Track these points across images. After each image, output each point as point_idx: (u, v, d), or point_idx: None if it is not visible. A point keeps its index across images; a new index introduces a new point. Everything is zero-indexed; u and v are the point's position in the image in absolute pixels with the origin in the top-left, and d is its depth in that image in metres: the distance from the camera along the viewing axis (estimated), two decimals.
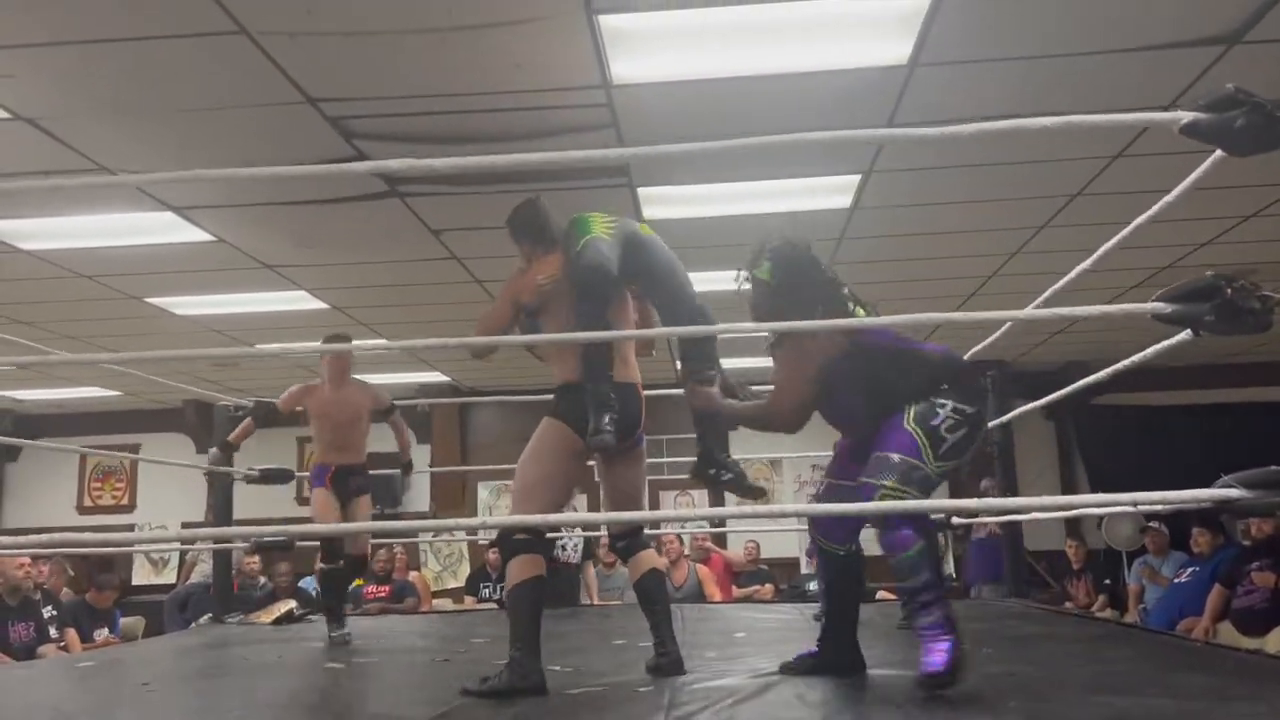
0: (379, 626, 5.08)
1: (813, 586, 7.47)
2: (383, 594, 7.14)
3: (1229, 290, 1.87)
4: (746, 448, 9.72)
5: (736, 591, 7.80)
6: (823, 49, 3.65)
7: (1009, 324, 4.20)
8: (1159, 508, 2.31)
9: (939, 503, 3.78)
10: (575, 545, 6.25)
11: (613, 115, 4.06)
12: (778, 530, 9.37)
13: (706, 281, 6.57)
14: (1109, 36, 3.54)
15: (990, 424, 4.83)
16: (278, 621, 5.02)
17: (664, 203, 5.17)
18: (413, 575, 8.24)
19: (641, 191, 4.98)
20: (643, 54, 3.65)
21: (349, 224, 5.30)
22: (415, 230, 5.42)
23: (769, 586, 8.08)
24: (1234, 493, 1.80)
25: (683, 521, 8.07)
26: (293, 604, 5.60)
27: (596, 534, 7.58)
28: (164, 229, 5.24)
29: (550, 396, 4.04)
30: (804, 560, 9.34)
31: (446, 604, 8.55)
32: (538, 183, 4.80)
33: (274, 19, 3.33)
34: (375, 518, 10.15)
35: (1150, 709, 2.00)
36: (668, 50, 3.64)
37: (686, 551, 7.53)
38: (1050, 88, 3.84)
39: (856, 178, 4.95)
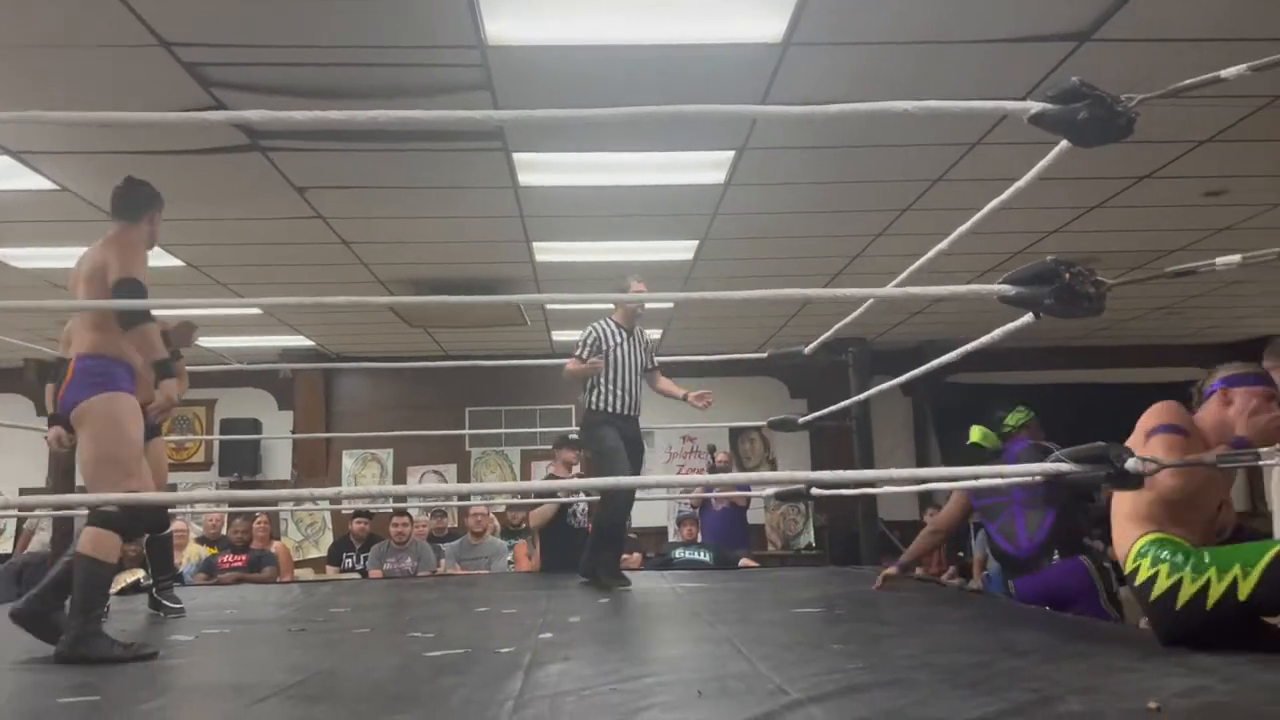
0: (232, 597, 4.92)
1: (678, 554, 7.62)
2: (239, 563, 6.89)
3: (1067, 275, 1.98)
4: (672, 415, 9.65)
5: None
6: (700, 23, 3.66)
7: (870, 301, 4.34)
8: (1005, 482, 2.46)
9: (802, 474, 3.91)
10: (584, 510, 6.11)
11: (488, 76, 3.98)
12: (647, 500, 9.51)
13: (582, 253, 6.62)
14: (973, 27, 3.68)
15: (849, 400, 5.02)
16: (123, 592, 4.78)
17: (539, 170, 5.12)
18: (274, 545, 7.99)
19: (517, 157, 4.92)
20: (520, 15, 3.58)
21: (206, 178, 5.05)
22: (278, 186, 5.21)
23: (636, 555, 8.17)
24: (1064, 467, 1.91)
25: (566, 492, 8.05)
26: (140, 574, 5.35)
27: (466, 503, 7.52)
28: (0, 174, 4.88)
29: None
30: (672, 529, 9.50)
31: (308, 574, 8.34)
32: (409, 142, 4.69)
33: None
34: (233, 485, 9.87)
35: (979, 662, 2.12)
36: (545, 13, 3.59)
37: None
38: (917, 74, 3.98)
39: (731, 154, 5.01)
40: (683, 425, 9.41)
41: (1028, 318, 2.15)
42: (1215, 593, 2.10)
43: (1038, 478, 2.00)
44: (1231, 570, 2.09)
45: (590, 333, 4.75)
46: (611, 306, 4.91)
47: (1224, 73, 1.90)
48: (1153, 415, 2.35)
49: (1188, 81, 1.93)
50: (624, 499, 4.69)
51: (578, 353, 4.73)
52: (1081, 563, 3.50)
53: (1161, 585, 2.17)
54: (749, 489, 6.64)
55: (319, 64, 3.88)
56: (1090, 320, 9.24)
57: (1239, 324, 9.82)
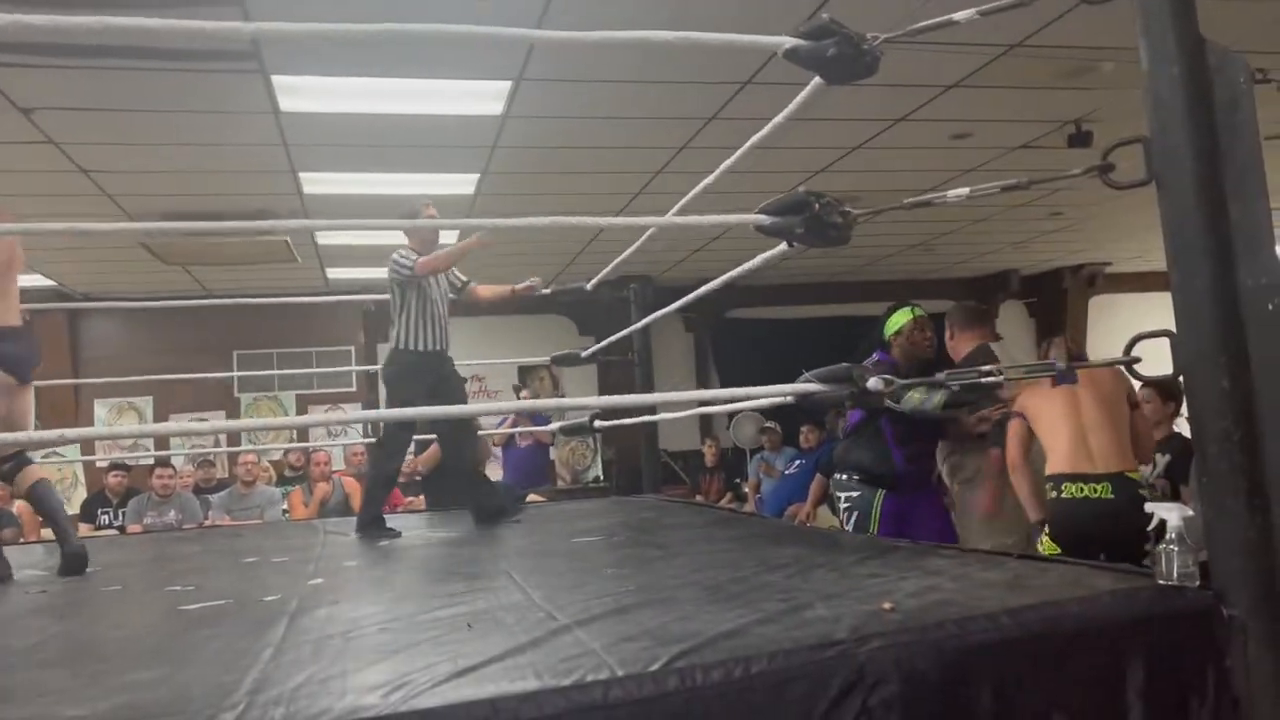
0: None
1: None
2: None
3: (817, 206, 2.07)
4: (461, 355, 9.35)
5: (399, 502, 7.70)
6: None
7: (649, 233, 4.41)
8: (765, 404, 2.58)
9: (584, 400, 3.95)
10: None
11: None
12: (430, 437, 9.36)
13: (355, 184, 6.32)
14: None
15: (629, 329, 5.11)
16: None
17: (302, 94, 4.82)
18: (16, 505, 7.30)
19: (276, 80, 4.60)
20: None
21: None
22: None
23: (422, 497, 8.05)
24: (813, 386, 2.02)
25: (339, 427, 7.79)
26: None
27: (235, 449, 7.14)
28: None
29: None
30: None
31: None
32: (153, 60, 4.29)
33: None
34: None
35: (738, 577, 2.23)
36: None
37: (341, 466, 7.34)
38: (690, 7, 4.01)
39: (508, 84, 4.91)
40: (472, 363, 9.29)
41: (782, 247, 2.23)
42: None
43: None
44: None
45: (406, 252, 4.26)
46: (403, 238, 4.48)
47: (956, 15, 2.02)
48: None
49: (924, 23, 2.04)
50: (398, 445, 4.43)
51: (408, 266, 4.19)
52: None
53: None
54: (549, 421, 6.64)
55: None
56: (854, 258, 9.79)
57: (982, 260, 10.73)
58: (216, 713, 1.36)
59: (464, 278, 4.65)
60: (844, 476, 4.05)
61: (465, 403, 4.56)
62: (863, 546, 2.79)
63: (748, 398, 2.31)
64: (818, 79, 2.26)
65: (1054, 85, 5.28)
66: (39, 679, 1.77)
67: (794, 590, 2.03)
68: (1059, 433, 3.60)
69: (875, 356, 4.02)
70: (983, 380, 2.05)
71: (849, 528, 3.97)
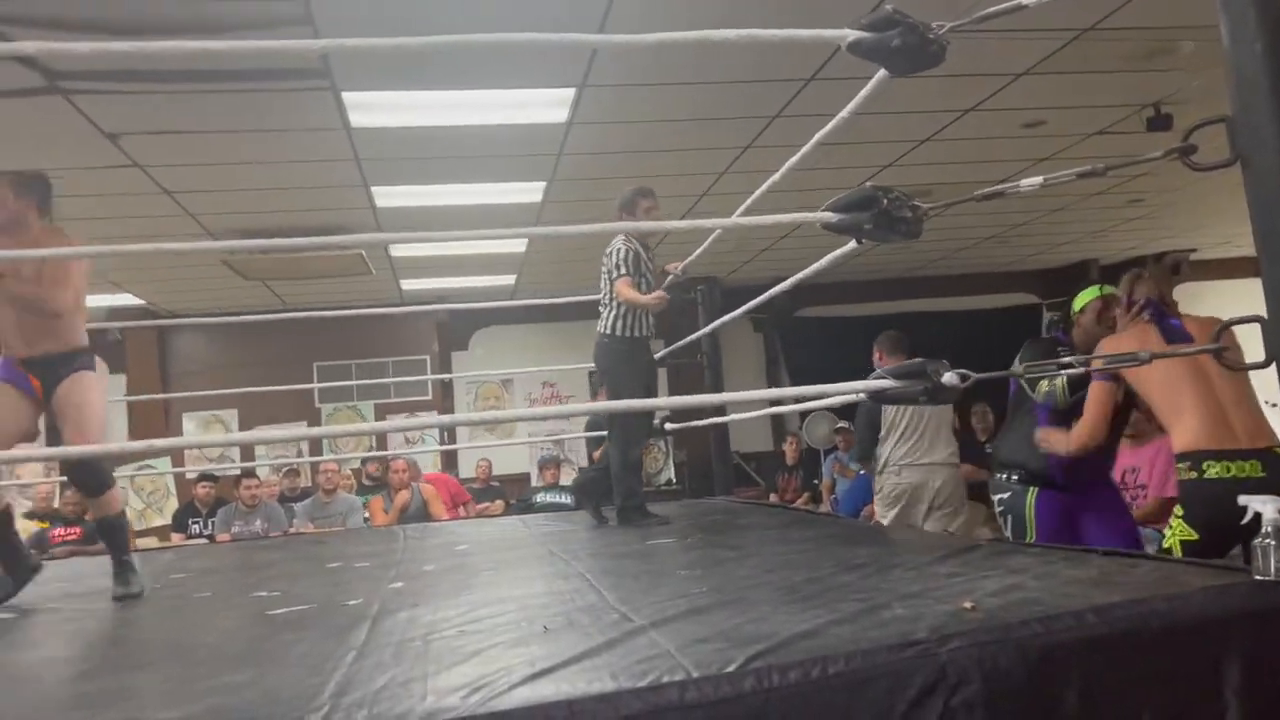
0: (65, 571, 4.64)
1: (540, 498, 7.66)
2: (73, 536, 6.54)
3: (885, 201, 2.04)
4: (477, 365, 9.62)
5: (472, 509, 7.82)
6: None
7: (715, 234, 4.41)
8: (838, 402, 2.52)
9: (653, 401, 3.94)
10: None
11: (308, 11, 3.77)
12: (508, 444, 9.49)
13: (425, 196, 6.43)
14: None
15: (698, 333, 5.10)
16: None
17: (372, 109, 4.91)
18: None
19: (347, 96, 4.70)
20: None
21: (3, 124, 4.64)
22: (85, 133, 4.82)
23: (499, 503, 8.17)
24: (886, 383, 1.99)
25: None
26: None
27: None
28: None
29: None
30: (535, 474, 9.52)
31: (152, 543, 7.97)
32: (227, 82, 4.42)
33: None
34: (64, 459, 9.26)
35: (814, 578, 2.21)
36: None
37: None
38: (752, 7, 3.98)
39: (572, 91, 4.94)
40: (545, 369, 9.39)
41: (851, 244, 2.21)
42: None
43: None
44: None
45: (625, 250, 4.21)
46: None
47: (1026, 0, 1.98)
48: None
49: (992, 9, 2.00)
50: (636, 430, 4.28)
51: (624, 272, 4.16)
52: None
53: None
54: None
55: None
56: (927, 252, 9.61)
57: (1059, 251, 10.45)
58: (303, 715, 1.39)
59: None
60: (1001, 476, 3.64)
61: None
62: (942, 545, 2.73)
63: (819, 396, 2.29)
64: (883, 71, 2.24)
65: (1130, 68, 5.12)
66: (135, 682, 1.84)
67: (871, 590, 2.00)
68: (1182, 401, 3.02)
69: (1055, 335, 3.69)
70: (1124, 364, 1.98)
71: (1007, 533, 3.59)
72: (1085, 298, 3.54)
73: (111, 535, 3.36)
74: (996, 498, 3.64)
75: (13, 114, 4.52)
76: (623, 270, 4.17)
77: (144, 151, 5.22)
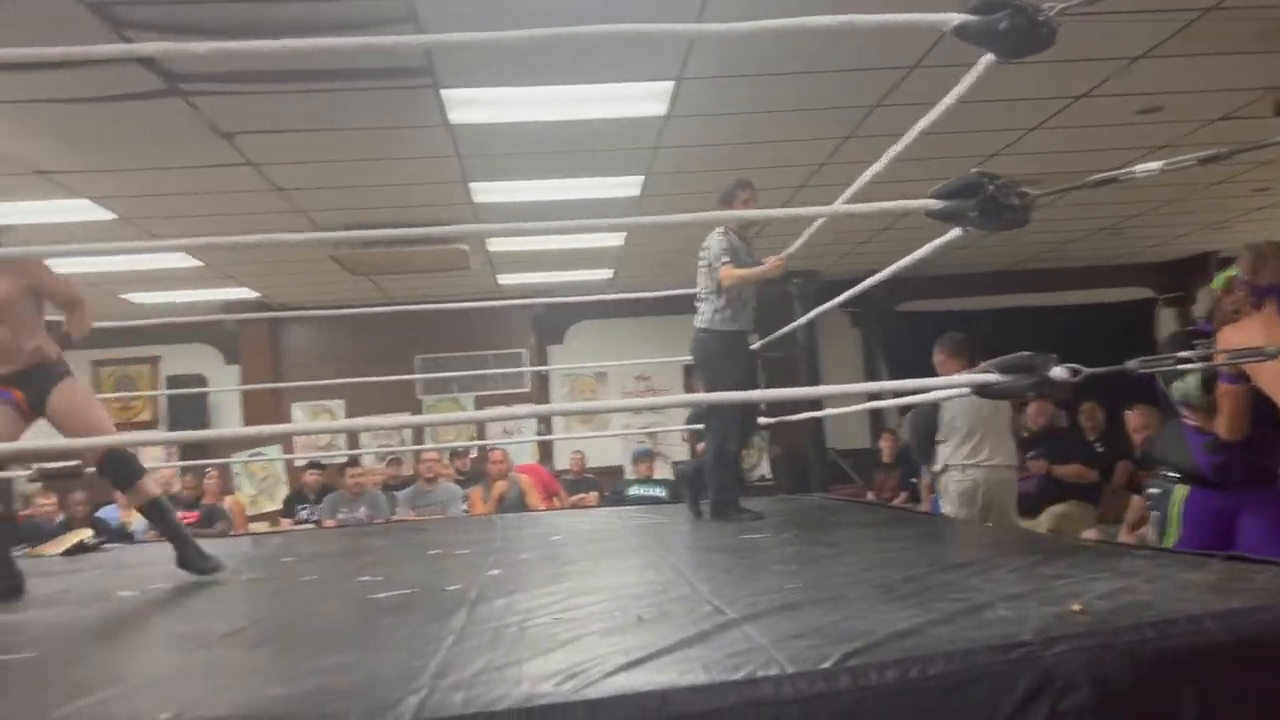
0: None
1: (633, 491, 7.69)
2: (190, 519, 6.83)
3: (991, 187, 1.98)
4: (573, 358, 9.71)
5: (565, 500, 7.91)
6: None
7: (816, 225, 4.34)
8: (940, 397, 2.46)
9: (746, 395, 3.88)
10: None
11: (413, 9, 3.86)
12: (603, 435, 9.55)
13: (523, 192, 6.52)
14: None
15: (792, 325, 5.04)
16: (68, 552, 4.72)
17: (471, 106, 5.00)
18: (226, 500, 7.94)
19: (446, 94, 4.80)
20: None
21: (126, 126, 4.88)
22: (202, 133, 5.04)
23: (593, 494, 8.24)
24: (991, 377, 1.93)
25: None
26: (87, 533, 5.29)
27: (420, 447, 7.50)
28: None
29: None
30: (628, 467, 9.57)
31: (263, 528, 8.30)
32: (334, 81, 4.56)
33: None
34: (184, 446, 9.70)
35: (912, 576, 2.16)
36: None
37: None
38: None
39: (670, 84, 4.94)
40: (638, 361, 9.43)
41: (956, 232, 2.15)
42: None
43: None
44: None
45: (724, 241, 4.18)
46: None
47: None
48: None
49: None
50: (733, 425, 4.21)
51: (727, 260, 4.12)
52: None
53: None
54: None
55: (233, 0, 3.73)
56: (1034, 244, 9.29)
57: (1177, 243, 9.99)
58: (403, 696, 1.42)
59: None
60: (1160, 475, 3.43)
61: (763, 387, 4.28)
62: (1047, 546, 2.65)
63: (920, 390, 2.24)
64: (989, 56, 2.17)
65: (1257, 48, 4.85)
66: (248, 659, 1.92)
67: (972, 590, 1.95)
68: None
69: (1200, 326, 3.43)
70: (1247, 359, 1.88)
71: (1152, 532, 3.44)
72: (1216, 284, 3.24)
73: (159, 518, 3.44)
74: (1147, 494, 3.49)
75: (134, 116, 4.74)
76: (725, 258, 4.12)
77: (257, 150, 5.42)
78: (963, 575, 2.16)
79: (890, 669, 1.38)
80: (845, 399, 4.93)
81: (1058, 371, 1.85)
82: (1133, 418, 5.09)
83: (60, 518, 6.95)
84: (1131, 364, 2.06)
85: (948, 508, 4.97)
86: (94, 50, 2.19)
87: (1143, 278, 10.99)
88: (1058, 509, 5.47)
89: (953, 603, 1.79)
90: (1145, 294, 10.95)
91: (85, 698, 1.54)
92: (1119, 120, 5.86)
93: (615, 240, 8.17)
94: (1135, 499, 4.80)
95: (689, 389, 10.56)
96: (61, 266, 7.57)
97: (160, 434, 9.72)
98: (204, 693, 1.52)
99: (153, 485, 3.49)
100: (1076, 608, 1.63)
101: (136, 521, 6.90)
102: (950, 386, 1.97)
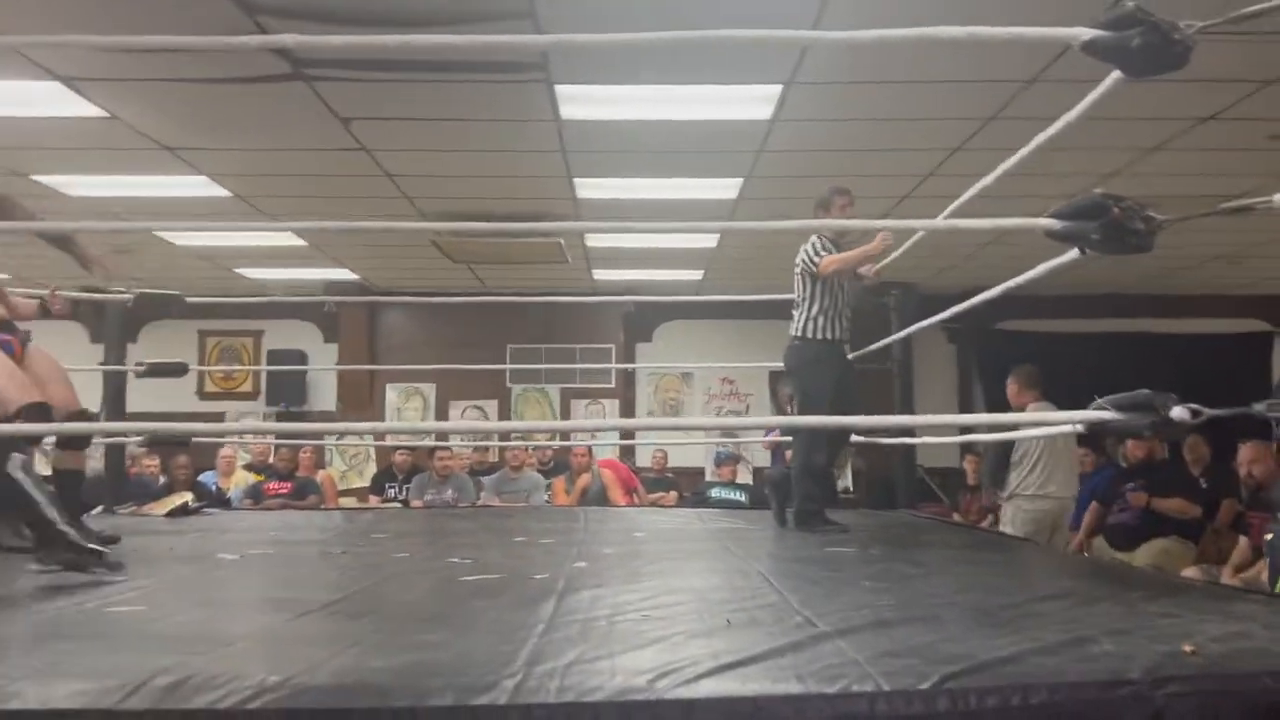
0: (277, 521, 5.04)
1: (714, 494, 7.67)
2: (284, 490, 7.08)
3: (1116, 210, 1.92)
4: (660, 357, 9.75)
5: (644, 497, 7.94)
6: None
7: (916, 237, 4.26)
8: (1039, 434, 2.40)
9: (839, 420, 3.83)
10: None
11: (531, 4, 3.92)
12: (686, 442, 9.56)
13: (623, 189, 6.56)
14: None
15: (888, 339, 4.96)
16: (171, 514, 4.93)
17: (582, 102, 5.05)
18: (319, 474, 8.17)
19: (560, 89, 4.85)
20: None
21: (251, 107, 5.06)
22: (322, 117, 5.20)
23: (673, 494, 8.25)
24: (1106, 415, 1.87)
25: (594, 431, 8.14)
26: (189, 496, 5.52)
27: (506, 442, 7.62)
28: (50, 100, 4.93)
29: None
30: (709, 469, 9.55)
31: (352, 502, 8.52)
32: (452, 73, 4.65)
33: None
34: (279, 416, 10.05)
35: (1010, 603, 2.11)
36: None
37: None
38: (970, 4, 3.84)
39: (778, 88, 4.91)
40: (724, 365, 9.40)
41: (1073, 254, 2.09)
42: None
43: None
44: None
45: (820, 245, 4.18)
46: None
47: None
48: None
49: (1253, 8, 1.84)
50: (821, 436, 4.14)
51: (824, 254, 4.12)
52: None
53: None
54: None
55: None
56: (1145, 268, 8.92)
57: None
58: (499, 679, 1.45)
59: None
60: (1277, 518, 3.41)
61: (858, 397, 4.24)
62: (1151, 583, 2.56)
63: (1023, 425, 2.18)
64: (1117, 73, 2.10)
65: None
66: (347, 629, 1.98)
67: (1074, 622, 1.90)
68: None
69: None
70: None
71: (1266, 577, 3.35)
72: None
73: (72, 488, 3.29)
74: (1266, 538, 3.42)
75: (258, 97, 4.92)
76: (822, 255, 4.08)
77: (371, 136, 5.57)
78: (1063, 606, 2.11)
79: (991, 695, 1.36)
80: (940, 427, 4.83)
81: (1178, 412, 1.78)
82: (1245, 452, 4.89)
83: (162, 480, 7.26)
84: (1258, 407, 1.97)
85: (1010, 533, 4.90)
86: (232, 41, 2.27)
87: (1261, 310, 10.50)
88: (1157, 544, 5.26)
89: (1054, 633, 1.75)
90: (1262, 326, 10.47)
91: (194, 655, 1.61)
92: (1245, 145, 5.61)
93: (709, 241, 8.16)
94: (1243, 540, 4.61)
95: (774, 395, 10.50)
96: (180, 240, 7.94)
97: (272, 424, 10.07)
98: (307, 660, 1.58)
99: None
100: (1188, 648, 1.57)
101: (234, 489, 7.18)
102: (1062, 423, 1.91)
